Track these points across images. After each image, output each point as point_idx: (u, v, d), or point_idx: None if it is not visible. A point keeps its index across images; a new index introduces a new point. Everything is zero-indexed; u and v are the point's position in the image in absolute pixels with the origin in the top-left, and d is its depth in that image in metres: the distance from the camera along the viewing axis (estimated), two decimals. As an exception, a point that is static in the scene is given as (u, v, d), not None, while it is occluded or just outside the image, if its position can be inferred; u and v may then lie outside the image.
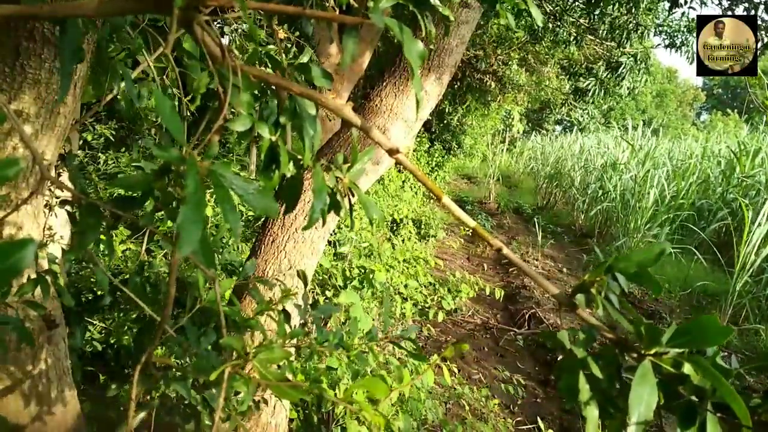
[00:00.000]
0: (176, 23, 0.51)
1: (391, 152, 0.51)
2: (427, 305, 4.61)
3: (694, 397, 0.38)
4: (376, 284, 3.54)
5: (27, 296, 1.02)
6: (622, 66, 7.61)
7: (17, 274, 0.27)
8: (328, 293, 3.50)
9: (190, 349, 1.23)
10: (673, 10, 6.48)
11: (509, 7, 1.32)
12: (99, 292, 1.90)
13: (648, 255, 0.40)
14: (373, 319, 3.36)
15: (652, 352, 0.37)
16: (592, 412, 0.38)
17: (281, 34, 2.82)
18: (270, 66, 0.80)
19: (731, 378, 0.38)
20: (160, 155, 0.49)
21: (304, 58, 1.08)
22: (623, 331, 0.42)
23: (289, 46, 3.10)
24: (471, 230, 0.55)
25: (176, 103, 1.35)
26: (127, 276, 1.58)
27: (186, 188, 0.40)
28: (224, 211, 0.43)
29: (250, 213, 4.00)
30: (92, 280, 2.17)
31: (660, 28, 7.62)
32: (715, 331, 0.36)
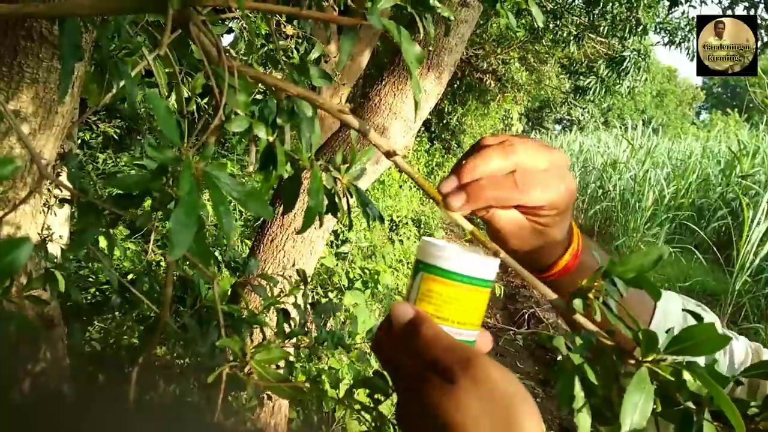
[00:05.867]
0: (172, 23, 0.50)
1: (389, 155, 0.51)
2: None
3: (691, 405, 0.37)
4: (380, 286, 3.53)
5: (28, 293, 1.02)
6: (626, 60, 7.55)
7: (14, 273, 0.27)
8: (331, 294, 3.49)
9: (192, 347, 1.22)
10: (673, 9, 6.46)
11: (510, 6, 1.31)
12: (104, 293, 1.89)
13: (646, 259, 0.39)
14: (376, 319, 3.35)
15: (650, 359, 0.37)
16: (584, 420, 0.38)
17: (290, 31, 2.80)
18: (282, 62, 0.79)
19: (729, 385, 0.38)
20: (155, 156, 0.49)
21: (314, 55, 1.07)
22: (621, 338, 0.41)
23: (300, 41, 3.08)
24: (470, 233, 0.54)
25: (183, 101, 1.34)
26: (130, 275, 1.58)
27: (180, 190, 0.39)
28: (218, 213, 0.43)
29: (250, 213, 3.99)
30: (90, 279, 2.17)
31: (660, 26, 7.58)
32: (713, 340, 0.36)
